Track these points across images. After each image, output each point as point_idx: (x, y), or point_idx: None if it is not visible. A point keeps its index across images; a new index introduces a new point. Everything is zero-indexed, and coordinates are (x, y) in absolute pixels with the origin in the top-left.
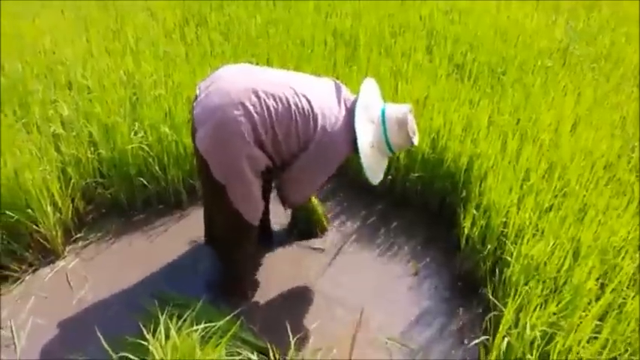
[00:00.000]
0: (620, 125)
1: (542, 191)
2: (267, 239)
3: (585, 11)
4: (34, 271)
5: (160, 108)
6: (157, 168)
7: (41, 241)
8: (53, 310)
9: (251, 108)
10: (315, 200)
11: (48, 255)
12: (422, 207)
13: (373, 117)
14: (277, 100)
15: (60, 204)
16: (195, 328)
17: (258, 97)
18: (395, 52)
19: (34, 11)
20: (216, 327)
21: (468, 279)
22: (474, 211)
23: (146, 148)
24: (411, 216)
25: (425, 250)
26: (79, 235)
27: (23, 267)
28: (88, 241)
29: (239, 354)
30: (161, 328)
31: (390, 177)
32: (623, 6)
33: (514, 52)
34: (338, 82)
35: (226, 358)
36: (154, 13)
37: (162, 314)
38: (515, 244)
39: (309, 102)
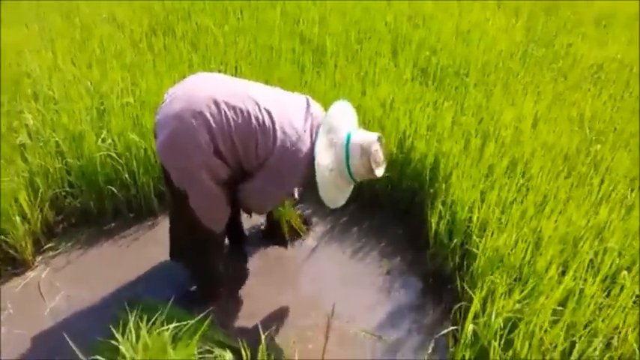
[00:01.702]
0: (577, 121)
1: (505, 186)
2: (240, 242)
3: (544, 14)
4: (3, 283)
5: (128, 116)
6: (126, 176)
7: (10, 252)
8: (26, 321)
9: (209, 117)
10: (288, 206)
11: (18, 266)
12: (392, 206)
13: (337, 140)
14: (238, 111)
15: (29, 214)
16: (165, 327)
17: (218, 107)
18: (361, 57)
19: None
20: (187, 327)
21: (438, 274)
22: (441, 207)
23: (115, 156)
24: (382, 216)
25: (396, 249)
26: (49, 245)
27: None
28: (58, 251)
29: (211, 352)
30: (131, 327)
31: None
32: (579, 7)
33: (476, 55)
34: (311, 99)
35: (198, 356)
36: (121, 24)
37: (131, 316)
38: (481, 237)
39: (270, 117)
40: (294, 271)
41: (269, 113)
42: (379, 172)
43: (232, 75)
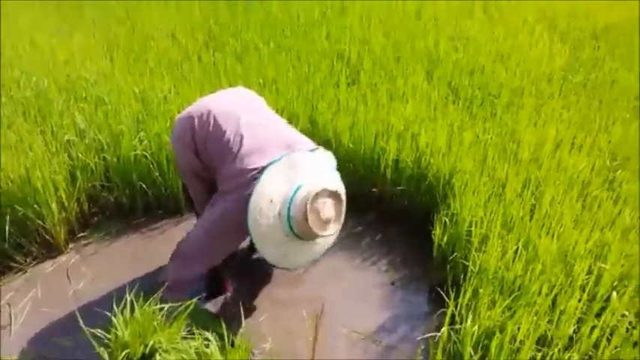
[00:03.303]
0: (605, 147)
1: (513, 203)
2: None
3: (595, 41)
4: (37, 264)
5: (165, 120)
6: (157, 174)
7: (46, 236)
8: (50, 300)
9: (196, 122)
10: None
11: (51, 250)
12: (408, 220)
13: (294, 179)
14: (217, 128)
15: (66, 203)
16: (159, 306)
17: (208, 117)
18: (395, 76)
19: (69, 32)
20: (179, 308)
21: (440, 286)
22: (447, 221)
23: (149, 156)
24: (397, 228)
25: (404, 261)
26: (82, 234)
27: (28, 260)
28: (89, 240)
29: (198, 335)
30: (127, 303)
31: (376, 190)
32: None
33: (511, 78)
34: (315, 148)
35: (183, 335)
36: (178, 39)
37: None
38: (479, 251)
39: (241, 142)
40: (299, 273)
41: (241, 140)
42: (324, 230)
43: (269, 88)
